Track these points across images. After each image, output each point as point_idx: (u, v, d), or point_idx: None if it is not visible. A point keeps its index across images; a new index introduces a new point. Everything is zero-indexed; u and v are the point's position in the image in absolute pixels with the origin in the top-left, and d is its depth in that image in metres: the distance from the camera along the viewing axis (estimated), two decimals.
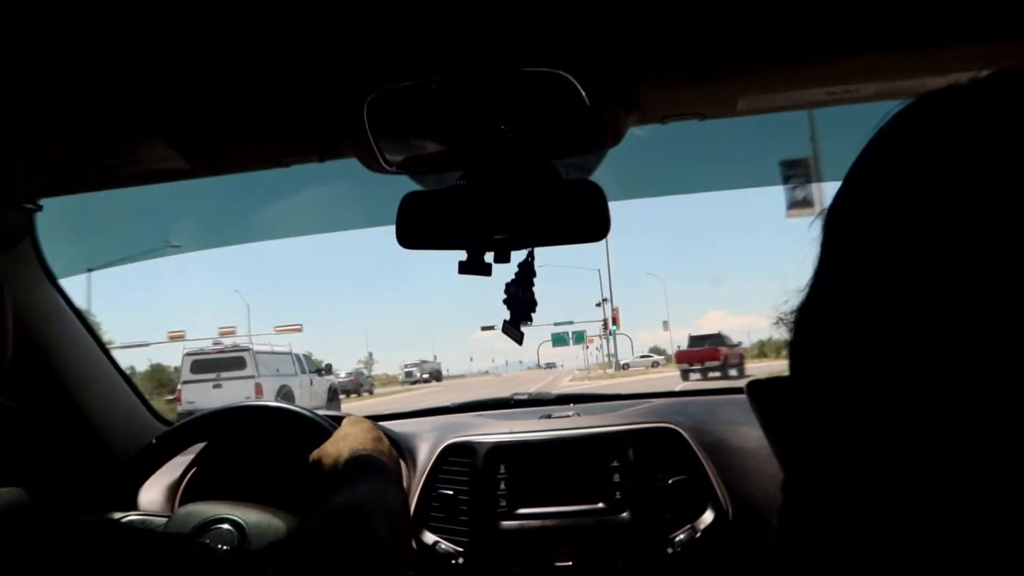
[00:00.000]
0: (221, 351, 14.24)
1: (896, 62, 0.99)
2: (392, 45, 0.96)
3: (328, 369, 17.50)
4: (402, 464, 1.48)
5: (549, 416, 1.58)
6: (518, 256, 1.21)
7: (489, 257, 1.20)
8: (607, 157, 1.29)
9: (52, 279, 1.36)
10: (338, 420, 1.36)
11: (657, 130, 1.21)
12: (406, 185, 1.24)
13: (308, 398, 14.44)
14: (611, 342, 39.71)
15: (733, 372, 22.62)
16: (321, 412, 1.41)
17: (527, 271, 1.24)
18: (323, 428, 1.29)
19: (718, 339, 23.84)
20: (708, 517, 1.33)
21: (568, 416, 1.56)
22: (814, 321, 0.38)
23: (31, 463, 1.40)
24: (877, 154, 0.38)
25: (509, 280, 1.23)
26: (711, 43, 0.97)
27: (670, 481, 1.37)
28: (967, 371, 0.29)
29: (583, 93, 1.00)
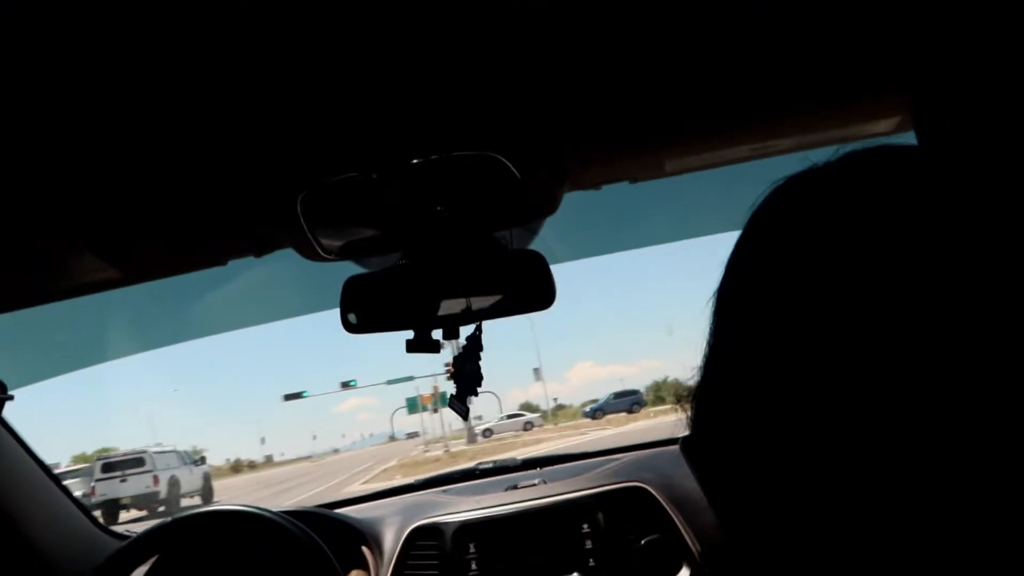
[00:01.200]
0: (124, 455, 17.93)
1: (809, 118, 1.03)
2: (323, 140, 0.96)
3: (203, 459, 21.90)
4: (367, 554, 1.43)
5: (515, 486, 1.55)
6: (465, 330, 1.21)
7: (436, 334, 1.19)
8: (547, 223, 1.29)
9: None
10: (301, 516, 1.32)
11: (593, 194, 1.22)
12: (347, 269, 1.23)
13: (191, 483, 18.80)
14: (439, 410, 30.42)
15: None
16: (277, 510, 1.36)
17: (474, 345, 1.23)
18: (284, 528, 1.25)
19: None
20: (684, 574, 1.31)
21: (534, 484, 1.54)
22: (714, 392, 0.41)
23: None
24: (761, 233, 0.41)
25: (456, 355, 1.23)
26: (637, 117, 0.99)
27: (643, 541, 1.35)
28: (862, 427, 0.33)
29: (514, 171, 1.01)
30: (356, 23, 0.70)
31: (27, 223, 1.00)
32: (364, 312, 1.18)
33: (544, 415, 38.02)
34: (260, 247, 1.16)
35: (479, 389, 1.24)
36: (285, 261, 1.19)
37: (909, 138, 1.07)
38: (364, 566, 1.42)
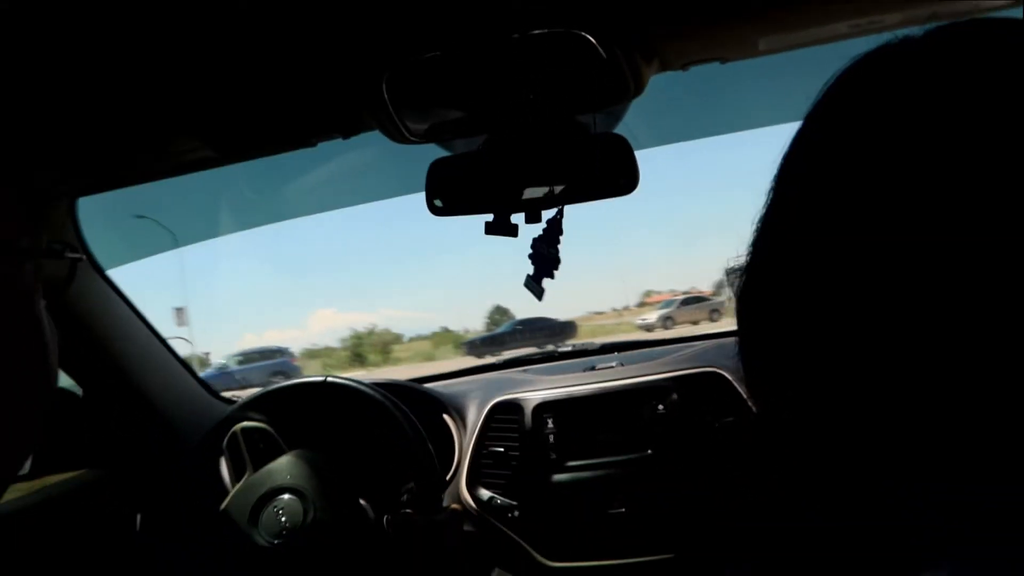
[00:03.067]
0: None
1: None
2: (405, 18, 0.95)
3: None
4: (451, 424, 1.52)
5: (593, 368, 1.60)
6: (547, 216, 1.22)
7: (517, 218, 1.21)
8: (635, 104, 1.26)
9: (100, 270, 1.41)
10: (390, 388, 1.41)
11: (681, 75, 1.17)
12: (432, 152, 1.24)
13: None
14: None
15: None
16: (370, 381, 1.46)
17: (555, 228, 1.24)
18: (375, 400, 1.34)
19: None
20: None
21: (611, 367, 1.58)
22: (771, 262, 0.40)
23: (98, 446, 1.48)
24: (832, 110, 0.38)
25: (536, 236, 1.24)
26: None
27: (718, 424, 1.38)
28: (914, 316, 0.31)
29: (600, 50, 0.98)
30: None
31: (131, 106, 1.05)
32: (448, 194, 1.21)
33: None
34: (347, 129, 1.18)
35: (555, 272, 1.26)
36: (372, 145, 1.21)
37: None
38: (448, 434, 1.51)
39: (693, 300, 22.42)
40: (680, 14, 0.98)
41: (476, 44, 0.99)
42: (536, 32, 0.97)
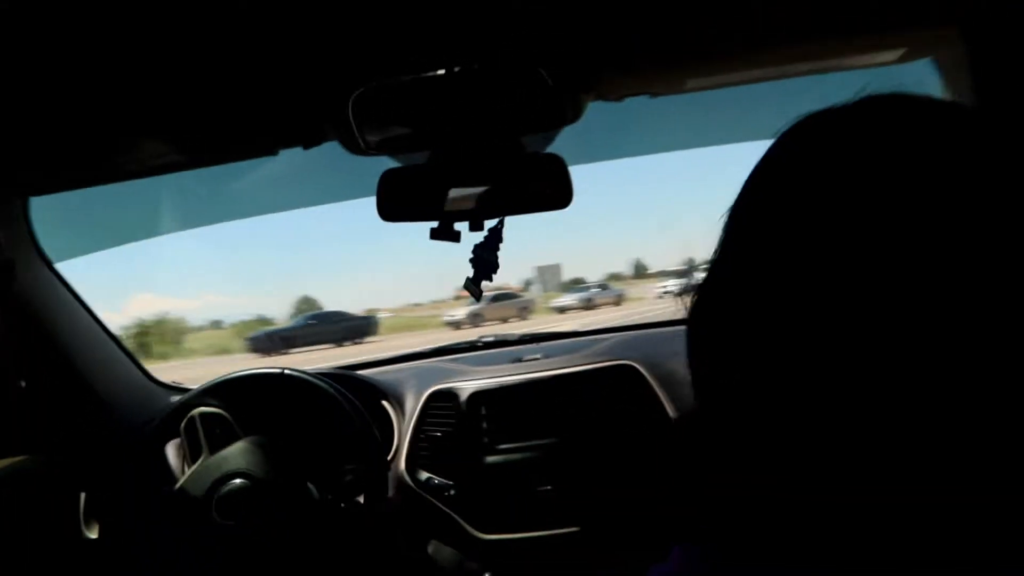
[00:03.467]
0: None
1: (823, 47, 1.14)
2: (374, 45, 1.04)
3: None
4: (390, 410, 1.64)
5: (520, 359, 1.75)
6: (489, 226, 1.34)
7: (460, 226, 1.33)
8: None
9: (48, 263, 1.43)
10: (335, 377, 1.51)
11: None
12: (382, 164, 1.34)
13: None
14: None
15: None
16: (313, 370, 1.55)
17: (495, 236, 1.36)
18: (324, 390, 1.44)
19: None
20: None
21: (536, 359, 1.73)
22: (715, 301, 0.45)
23: (40, 433, 1.50)
24: (773, 166, 0.43)
25: (478, 242, 1.36)
26: (662, 37, 1.09)
27: (631, 411, 1.56)
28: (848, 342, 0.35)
29: (549, 81, 1.12)
30: None
31: (96, 109, 1.09)
32: (397, 202, 1.31)
33: None
34: (308, 140, 1.27)
35: (494, 276, 1.39)
36: (330, 153, 1.29)
37: (918, 68, 1.19)
38: (387, 419, 1.63)
39: (503, 296, 22.77)
40: (621, 57, 1.13)
41: (434, 71, 1.10)
42: (490, 64, 1.09)
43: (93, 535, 1.46)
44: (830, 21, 1.05)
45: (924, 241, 0.34)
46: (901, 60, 1.20)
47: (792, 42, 1.11)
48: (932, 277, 0.33)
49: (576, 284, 32.20)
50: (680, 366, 1.59)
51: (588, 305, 23.53)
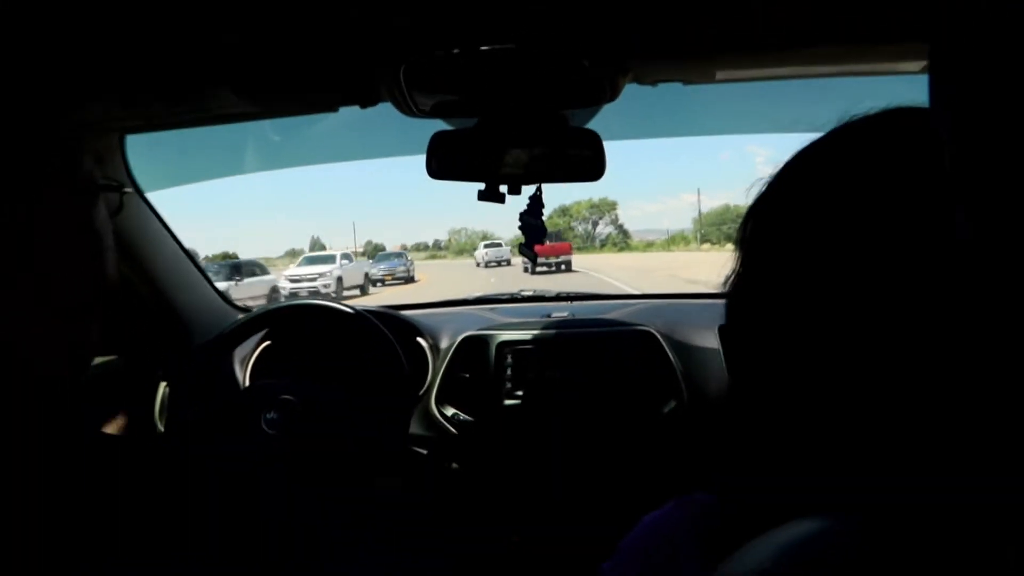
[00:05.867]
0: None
1: (848, 51, 1.19)
2: (427, 20, 1.16)
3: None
4: (426, 348, 1.81)
5: (548, 315, 1.88)
6: (528, 189, 1.46)
7: (503, 189, 1.44)
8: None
9: (140, 193, 1.63)
10: (377, 314, 1.68)
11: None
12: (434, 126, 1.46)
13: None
14: None
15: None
16: (360, 307, 1.73)
17: (536, 202, 1.48)
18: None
19: (558, 235, 26.94)
20: (671, 404, 1.65)
21: (564, 316, 1.86)
22: (745, 297, 0.46)
23: (128, 339, 1.74)
24: (806, 170, 0.44)
25: (522, 210, 1.48)
26: (694, 27, 1.16)
27: (645, 373, 1.68)
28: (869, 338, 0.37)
29: (585, 62, 1.21)
30: None
31: (185, 61, 1.25)
32: (445, 162, 1.43)
33: None
34: (366, 100, 1.40)
35: (544, 239, 1.51)
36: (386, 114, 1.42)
37: None
38: (423, 358, 1.80)
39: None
40: (657, 46, 1.21)
41: (485, 49, 1.21)
42: (534, 45, 1.19)
43: (161, 427, 1.69)
44: (855, 25, 1.10)
45: (944, 250, 0.34)
46: (924, 71, 1.23)
47: (819, 43, 1.17)
48: (944, 283, 0.34)
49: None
50: (697, 337, 1.70)
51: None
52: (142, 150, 1.59)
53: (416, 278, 27.51)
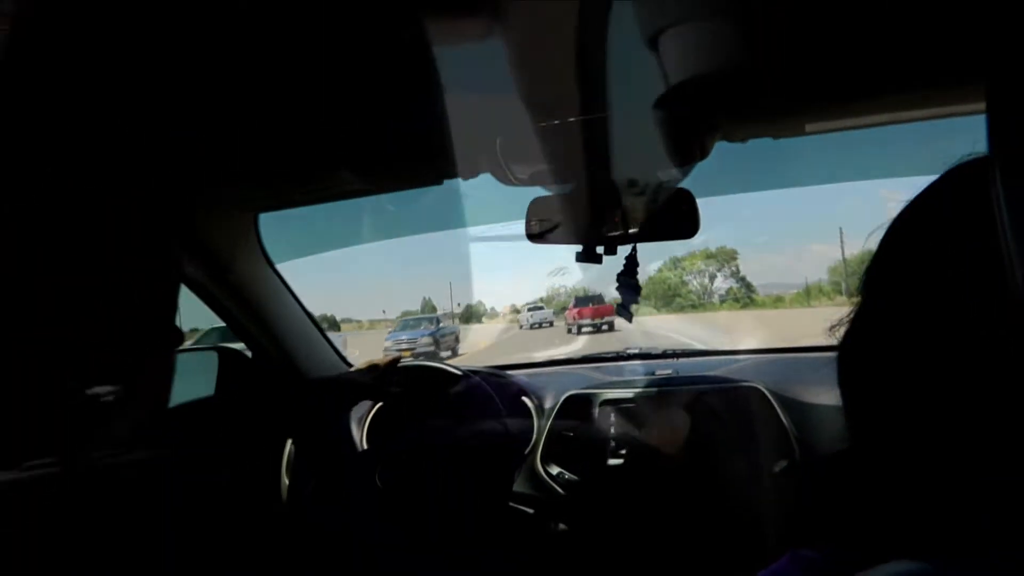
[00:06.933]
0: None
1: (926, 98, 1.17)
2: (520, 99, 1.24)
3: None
4: (531, 406, 1.85)
5: (653, 373, 1.88)
6: (623, 250, 1.49)
7: (599, 250, 1.48)
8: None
9: (270, 263, 1.81)
10: (484, 375, 1.75)
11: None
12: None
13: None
14: None
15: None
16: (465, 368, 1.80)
17: (632, 262, 1.51)
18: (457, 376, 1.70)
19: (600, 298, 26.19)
20: (783, 463, 1.58)
21: (668, 373, 1.85)
22: (867, 336, 0.48)
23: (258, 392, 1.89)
24: (913, 222, 0.47)
25: (619, 271, 1.51)
26: (781, 86, 1.18)
27: (754, 431, 1.63)
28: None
29: (675, 123, 1.25)
30: None
31: (309, 148, 1.39)
32: (543, 226, 1.49)
33: None
34: (467, 172, 1.50)
35: (639, 298, 1.53)
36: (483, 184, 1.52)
37: None
38: (528, 416, 1.84)
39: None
40: (745, 106, 1.24)
41: (575, 120, 1.27)
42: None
43: (287, 480, 1.81)
44: (940, 71, 1.08)
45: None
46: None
47: (903, 91, 1.15)
48: None
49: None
50: (806, 393, 1.64)
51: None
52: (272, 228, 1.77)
53: (461, 350, 23.02)
